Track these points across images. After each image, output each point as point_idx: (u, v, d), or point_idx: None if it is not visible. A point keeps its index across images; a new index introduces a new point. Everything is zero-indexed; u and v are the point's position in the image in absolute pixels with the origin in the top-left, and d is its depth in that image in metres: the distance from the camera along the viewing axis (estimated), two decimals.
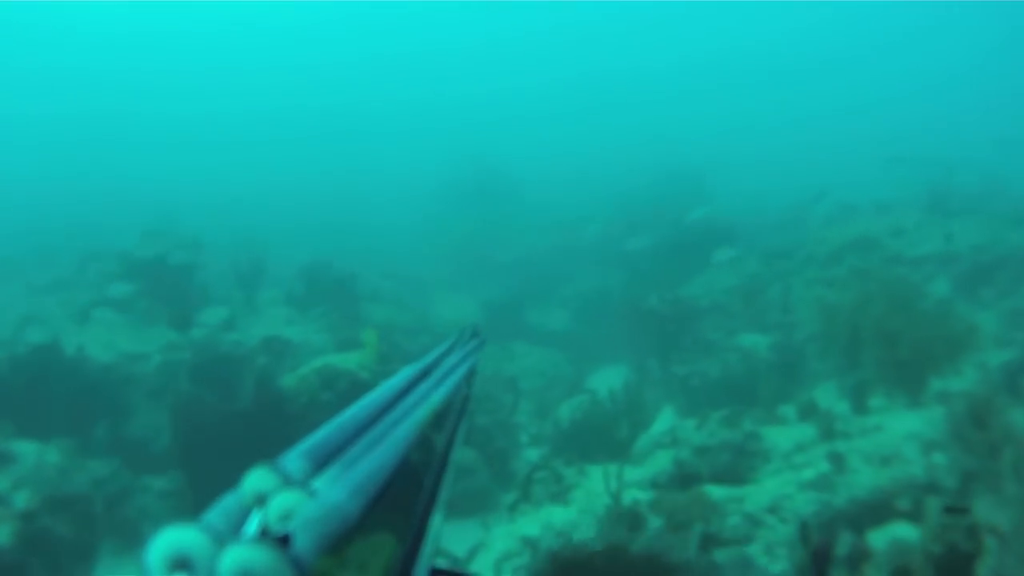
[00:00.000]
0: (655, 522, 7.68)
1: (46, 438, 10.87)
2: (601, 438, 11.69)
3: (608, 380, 17.96)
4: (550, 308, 22.63)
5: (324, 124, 59.20)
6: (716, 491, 8.17)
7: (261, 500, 1.19)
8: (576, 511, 8.62)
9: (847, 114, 56.22)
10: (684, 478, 8.99)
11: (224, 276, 18.06)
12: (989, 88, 57.26)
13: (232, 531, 1.15)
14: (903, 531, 6.88)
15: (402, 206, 35.41)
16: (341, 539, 1.17)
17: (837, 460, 8.26)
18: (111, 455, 11.78)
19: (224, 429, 10.23)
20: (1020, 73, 58.62)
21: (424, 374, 2.23)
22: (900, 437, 8.67)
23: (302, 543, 1.08)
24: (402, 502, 1.62)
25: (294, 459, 1.34)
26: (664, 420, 15.22)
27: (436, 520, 1.73)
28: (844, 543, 5.88)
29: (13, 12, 68.15)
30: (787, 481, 8.20)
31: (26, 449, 10.39)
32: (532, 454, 13.75)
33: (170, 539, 0.99)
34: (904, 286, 11.56)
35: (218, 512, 1.17)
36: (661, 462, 9.69)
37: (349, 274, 18.58)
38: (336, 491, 1.24)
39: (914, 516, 7.20)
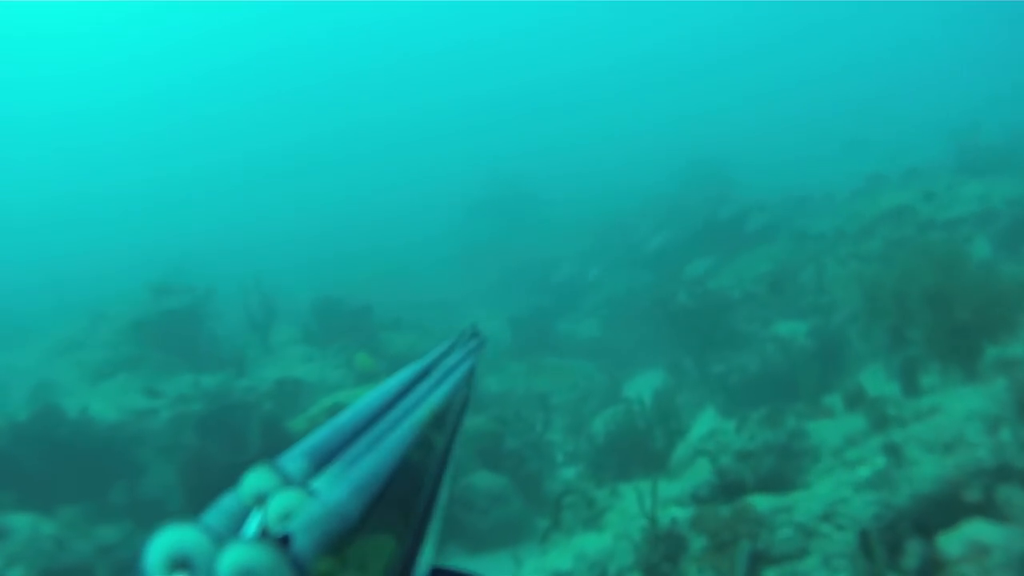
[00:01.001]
0: (697, 543, 6.93)
1: (52, 507, 10.38)
2: (637, 450, 10.91)
3: (646, 386, 17.30)
4: (579, 317, 21.93)
5: (326, 153, 58.71)
6: (762, 501, 7.37)
7: (261, 500, 1.19)
8: (611, 537, 7.89)
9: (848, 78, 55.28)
10: (727, 488, 8.20)
11: (238, 321, 17.51)
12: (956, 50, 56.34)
13: (232, 531, 1.15)
14: (978, 530, 6.05)
15: (419, 227, 34.92)
16: (341, 539, 1.15)
17: (894, 452, 7.44)
18: (125, 518, 11.21)
19: (232, 482, 9.53)
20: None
21: (424, 374, 2.21)
22: (960, 417, 7.78)
23: (302, 543, 1.07)
24: (402, 502, 1.57)
25: (294, 459, 1.34)
26: (705, 423, 14.61)
27: (436, 520, 1.70)
28: (913, 553, 5.10)
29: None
30: (840, 482, 7.39)
31: (20, 522, 9.85)
32: (568, 473, 13.06)
33: (170, 539, 1.01)
34: (948, 248, 10.65)
35: (218, 512, 1.19)
36: (701, 472, 8.94)
37: (363, 306, 17.94)
38: (336, 491, 1.24)
39: (986, 508, 6.38)
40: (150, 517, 11.23)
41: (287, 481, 1.25)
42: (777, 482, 8.00)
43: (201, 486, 9.93)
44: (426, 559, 1.54)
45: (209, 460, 10.09)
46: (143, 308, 16.10)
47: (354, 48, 75.99)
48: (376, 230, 36.23)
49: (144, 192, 52.25)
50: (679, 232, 22.33)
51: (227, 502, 1.24)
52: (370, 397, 1.81)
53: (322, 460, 1.41)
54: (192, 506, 10.37)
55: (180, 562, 1.01)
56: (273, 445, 10.17)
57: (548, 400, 14.23)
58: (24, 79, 70.05)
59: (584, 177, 37.12)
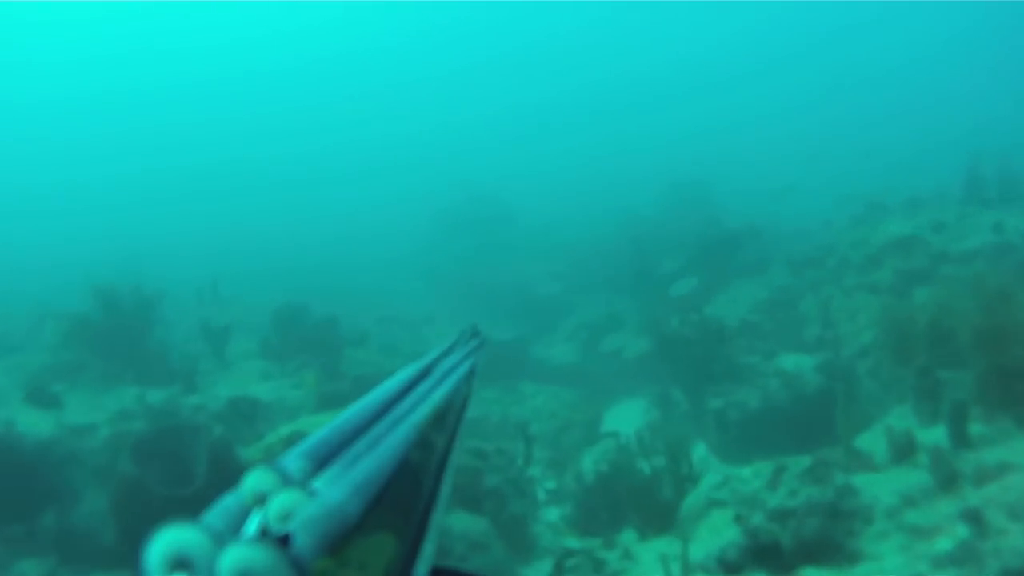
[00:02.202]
0: None
1: None
2: (636, 496, 9.62)
3: (627, 417, 16.23)
4: (555, 341, 20.68)
5: (302, 167, 57.53)
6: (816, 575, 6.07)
7: (261, 500, 1.15)
8: None
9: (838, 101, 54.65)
10: (761, 552, 6.90)
11: (191, 330, 16.09)
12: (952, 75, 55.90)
13: (232, 531, 1.11)
14: None
15: (388, 242, 33.92)
16: (341, 539, 1.13)
17: (975, 519, 6.16)
18: (50, 552, 9.81)
19: (172, 519, 8.10)
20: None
21: (424, 374, 2.13)
22: None
23: (302, 543, 1.06)
24: (402, 502, 1.50)
25: (294, 459, 1.31)
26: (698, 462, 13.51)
27: (436, 520, 1.62)
28: None
29: None
30: (914, 555, 6.11)
31: None
32: (552, 514, 11.77)
33: (170, 539, 0.97)
34: (999, 282, 9.42)
35: (218, 512, 1.14)
36: (722, 529, 7.68)
37: (329, 318, 16.52)
38: (336, 491, 1.22)
39: None
40: (79, 553, 9.83)
41: (287, 481, 1.18)
42: (824, 549, 6.72)
43: (136, 522, 8.45)
44: (426, 559, 1.46)
45: (146, 492, 8.64)
46: (86, 310, 14.61)
47: (340, 66, 75.32)
48: (348, 245, 35.06)
49: (114, 188, 50.66)
50: (671, 258, 21.08)
51: (227, 502, 1.15)
52: (370, 397, 1.74)
53: (322, 460, 1.34)
54: (126, 544, 8.95)
55: (180, 562, 0.94)
56: (222, 476, 8.75)
57: (528, 431, 12.83)
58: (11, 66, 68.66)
59: (563, 198, 36.20)
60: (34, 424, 11.81)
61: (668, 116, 59.01)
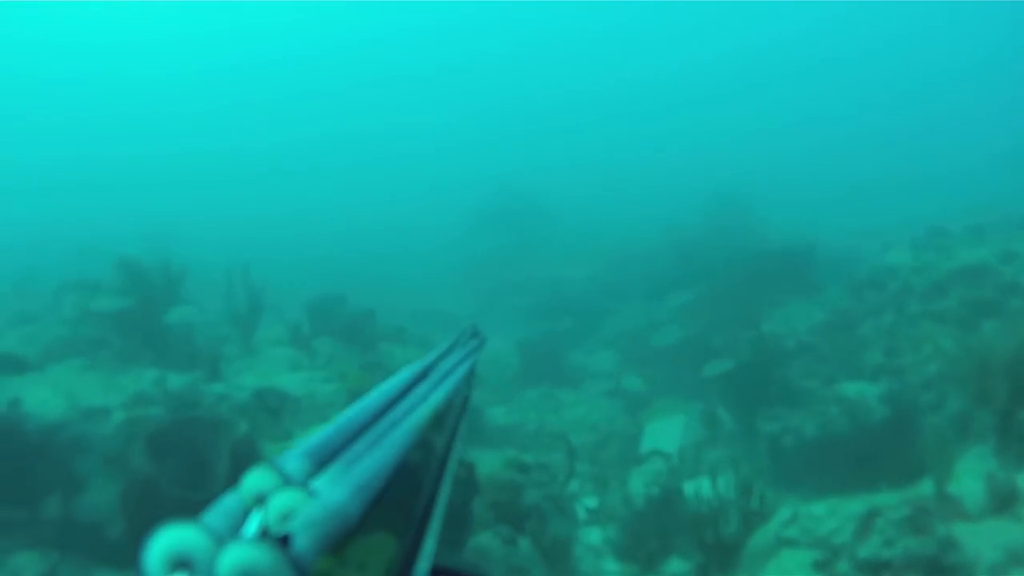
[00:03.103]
0: None
1: None
2: (697, 527, 8.78)
3: (667, 434, 15.46)
4: (594, 347, 19.84)
5: (337, 154, 56.89)
6: None
7: (261, 500, 1.12)
8: None
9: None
10: None
11: (218, 312, 15.31)
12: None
13: (232, 531, 1.07)
14: None
15: (426, 235, 33.07)
16: (341, 539, 1.12)
17: None
18: (51, 547, 9.05)
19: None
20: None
21: (424, 374, 2.07)
22: None
23: (302, 543, 1.03)
24: (402, 502, 1.52)
25: (294, 459, 1.26)
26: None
27: (436, 520, 1.66)
28: None
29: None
30: None
31: None
32: (593, 536, 10.96)
33: (169, 538, 0.93)
34: None
35: (218, 512, 1.09)
36: (794, 573, 6.86)
37: (366, 311, 15.72)
38: (336, 491, 1.18)
39: None
40: (82, 547, 9.07)
41: (287, 481, 1.15)
42: None
43: (145, 525, 7.67)
44: (426, 559, 1.48)
45: (159, 492, 7.84)
46: (107, 282, 13.82)
47: (376, 54, 74.90)
48: (382, 236, 34.39)
49: (152, 170, 50.06)
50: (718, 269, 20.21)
51: (227, 502, 1.11)
52: (370, 397, 1.67)
53: (322, 460, 1.30)
54: (132, 543, 8.16)
55: (180, 562, 0.91)
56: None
57: (571, 444, 11.99)
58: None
59: (601, 198, 35.40)
60: (44, 402, 11.09)
61: (710, 118, 58.23)
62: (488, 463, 10.06)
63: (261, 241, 30.42)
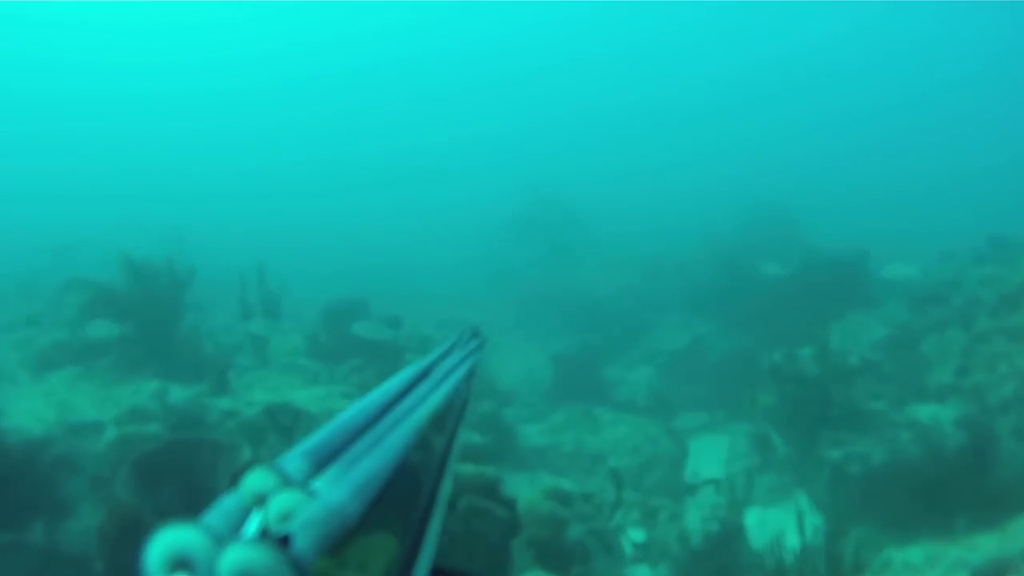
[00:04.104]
0: None
1: None
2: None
3: (711, 456, 14.33)
4: (631, 363, 18.64)
5: (367, 169, 55.98)
6: None
7: (261, 500, 1.14)
8: None
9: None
10: None
11: (230, 318, 14.23)
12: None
13: (232, 531, 1.09)
14: None
15: (456, 248, 31.91)
16: (341, 539, 1.14)
17: None
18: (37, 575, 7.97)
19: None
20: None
21: (424, 375, 2.10)
22: None
23: (302, 543, 1.05)
24: (402, 503, 1.57)
25: (294, 459, 1.29)
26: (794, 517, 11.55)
27: (436, 521, 1.70)
28: None
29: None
30: None
31: None
32: (641, 574, 9.77)
33: (169, 539, 0.95)
34: None
35: (218, 512, 1.12)
36: None
37: (391, 318, 14.56)
38: (336, 492, 1.20)
39: None
40: None
41: (287, 481, 1.17)
42: None
43: (127, 563, 6.49)
44: (426, 560, 1.51)
45: (144, 528, 6.69)
46: (110, 281, 12.70)
47: (407, 70, 74.15)
48: (411, 249, 33.28)
49: (181, 183, 49.24)
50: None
51: (227, 502, 1.13)
52: (370, 398, 1.71)
53: (322, 460, 1.32)
54: None
55: (180, 562, 0.93)
56: None
57: (617, 473, 10.82)
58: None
59: (634, 208, 34.25)
60: (33, 415, 10.02)
61: (741, 126, 56.94)
62: (524, 491, 8.94)
63: (285, 253, 29.43)
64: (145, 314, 12.18)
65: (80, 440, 9.50)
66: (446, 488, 1.87)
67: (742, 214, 27.47)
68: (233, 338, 14.12)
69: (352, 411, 1.58)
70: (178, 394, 10.42)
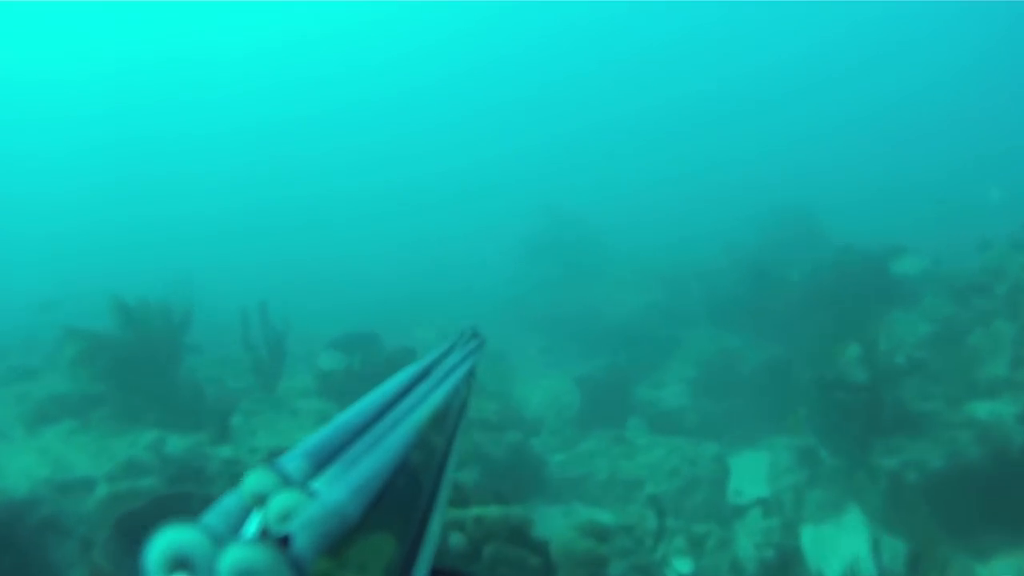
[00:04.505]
0: None
1: None
2: None
3: (752, 473, 13.52)
4: (661, 381, 17.75)
5: (381, 199, 55.50)
6: None
7: (261, 500, 1.13)
8: None
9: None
10: None
11: (239, 362, 13.47)
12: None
13: (232, 531, 1.09)
14: None
15: (473, 273, 31.49)
16: (341, 540, 1.14)
17: None
18: None
19: None
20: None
21: (423, 375, 2.08)
22: None
23: (302, 543, 1.05)
24: (402, 503, 1.51)
25: (294, 459, 1.27)
26: (852, 535, 10.98)
27: (436, 521, 1.66)
28: None
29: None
30: None
31: None
32: None
33: (169, 539, 0.96)
34: None
35: (217, 512, 1.12)
36: None
37: (404, 350, 13.74)
38: (336, 491, 1.19)
39: None
40: None
41: (287, 481, 1.16)
42: None
43: None
44: (426, 560, 1.49)
45: None
46: (105, 330, 11.93)
47: (422, 96, 74.14)
48: (425, 277, 32.68)
49: (185, 223, 48.78)
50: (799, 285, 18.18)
51: (227, 502, 1.13)
52: (370, 398, 1.70)
53: (322, 460, 1.31)
54: None
55: (180, 562, 0.93)
56: None
57: (659, 502, 9.97)
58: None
59: (651, 221, 33.64)
60: (25, 472, 9.28)
61: (753, 130, 56.45)
62: (557, 526, 8.13)
63: (297, 289, 28.76)
64: (141, 360, 11.42)
65: (70, 499, 8.74)
66: (446, 488, 1.83)
67: (763, 219, 26.75)
68: (240, 381, 13.37)
69: (352, 411, 1.58)
70: (176, 444, 9.65)
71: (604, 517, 9.26)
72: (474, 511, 6.10)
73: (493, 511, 6.16)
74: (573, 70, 70.27)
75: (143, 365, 11.37)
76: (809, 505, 12.11)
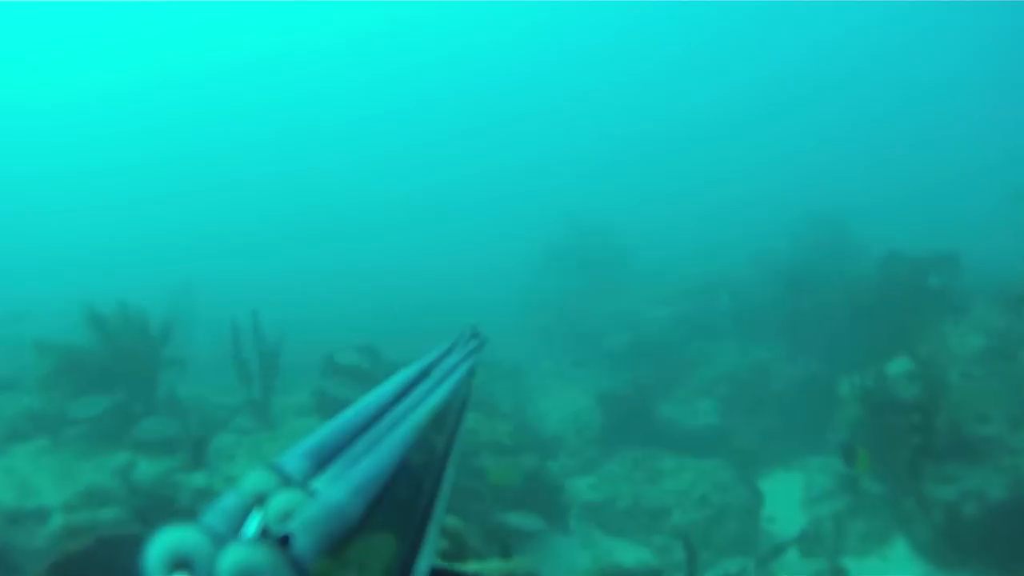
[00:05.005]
0: None
1: None
2: None
3: (785, 497, 12.58)
4: (688, 397, 16.62)
5: (397, 210, 54.64)
6: None
7: (261, 500, 1.17)
8: None
9: None
10: None
11: (224, 375, 12.45)
12: None
13: (232, 531, 1.12)
14: None
15: (490, 283, 30.33)
16: (341, 539, 1.15)
17: None
18: None
19: None
20: None
21: (423, 375, 2.07)
22: None
23: (302, 543, 1.07)
24: (402, 503, 1.54)
25: (294, 459, 1.32)
26: (899, 569, 10.25)
27: (436, 521, 1.69)
28: None
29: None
30: None
31: None
32: None
33: (170, 539, 0.99)
34: None
35: (218, 512, 1.15)
36: None
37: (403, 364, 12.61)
38: (336, 491, 1.22)
39: None
40: None
41: (287, 481, 1.21)
42: None
43: None
44: (426, 560, 1.51)
45: None
46: (79, 342, 10.91)
47: (447, 106, 73.31)
48: (442, 287, 31.53)
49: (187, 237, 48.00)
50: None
51: (227, 502, 1.16)
52: (370, 397, 1.71)
53: (322, 460, 1.35)
54: None
55: (180, 562, 0.97)
56: None
57: (689, 539, 8.88)
58: None
59: (676, 229, 32.65)
60: None
61: (775, 134, 55.41)
62: (577, 559, 7.11)
63: (308, 300, 27.89)
64: (116, 376, 10.40)
65: (21, 530, 7.74)
66: (446, 488, 1.81)
67: (793, 227, 25.55)
68: (230, 398, 12.36)
69: (352, 411, 1.58)
70: (147, 469, 8.64)
71: (626, 553, 8.19)
72: (471, 567, 5.06)
73: (493, 566, 5.11)
74: (596, 79, 69.61)
75: (118, 381, 10.34)
76: (851, 536, 11.04)
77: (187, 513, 7.89)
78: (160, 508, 7.94)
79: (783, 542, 10.54)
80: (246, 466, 9.17)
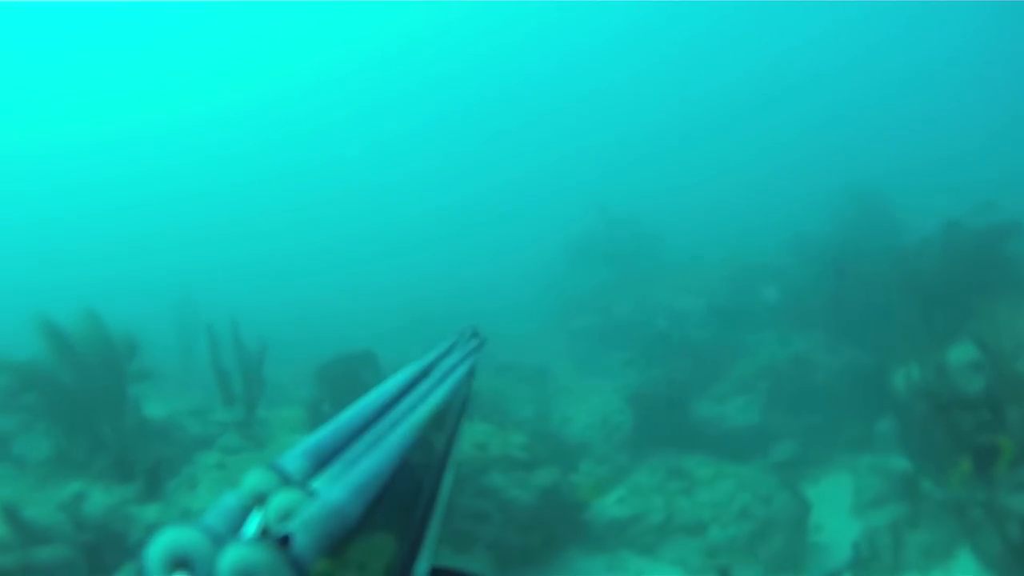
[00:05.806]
0: None
1: None
2: None
3: (837, 503, 11.46)
4: (724, 395, 15.36)
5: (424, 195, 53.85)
6: None
7: (261, 500, 1.17)
8: None
9: None
10: None
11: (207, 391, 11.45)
12: None
13: (232, 531, 1.13)
14: None
15: (518, 285, 29.47)
16: (341, 539, 1.14)
17: None
18: None
19: None
20: None
21: (423, 374, 2.13)
22: None
23: (302, 543, 1.06)
24: (402, 503, 1.52)
25: (294, 459, 1.32)
26: None
27: (436, 521, 1.65)
28: None
29: None
30: None
31: None
32: None
33: (170, 539, 0.98)
34: None
35: (218, 512, 1.16)
36: None
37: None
38: (336, 491, 1.22)
39: None
40: None
41: (287, 481, 1.23)
42: None
43: None
44: (426, 559, 1.47)
45: None
46: (36, 359, 9.87)
47: (474, 111, 72.09)
48: (468, 295, 30.46)
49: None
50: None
51: (227, 501, 1.18)
52: (370, 398, 1.73)
53: (322, 460, 1.37)
54: None
55: (180, 562, 0.97)
56: None
57: (707, 536, 7.72)
58: None
59: (708, 215, 31.65)
60: None
61: (810, 110, 53.68)
62: None
63: (314, 319, 26.89)
64: (78, 393, 9.31)
65: None
66: (446, 488, 1.78)
67: (831, 202, 24.33)
68: (223, 415, 11.30)
69: (352, 410, 1.58)
70: (99, 500, 7.55)
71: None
72: None
73: None
74: (612, 74, 68.71)
75: (80, 399, 9.25)
76: (910, 549, 9.83)
77: (137, 550, 6.86)
78: (110, 545, 6.85)
79: (837, 568, 9.33)
80: (207, 498, 8.05)
